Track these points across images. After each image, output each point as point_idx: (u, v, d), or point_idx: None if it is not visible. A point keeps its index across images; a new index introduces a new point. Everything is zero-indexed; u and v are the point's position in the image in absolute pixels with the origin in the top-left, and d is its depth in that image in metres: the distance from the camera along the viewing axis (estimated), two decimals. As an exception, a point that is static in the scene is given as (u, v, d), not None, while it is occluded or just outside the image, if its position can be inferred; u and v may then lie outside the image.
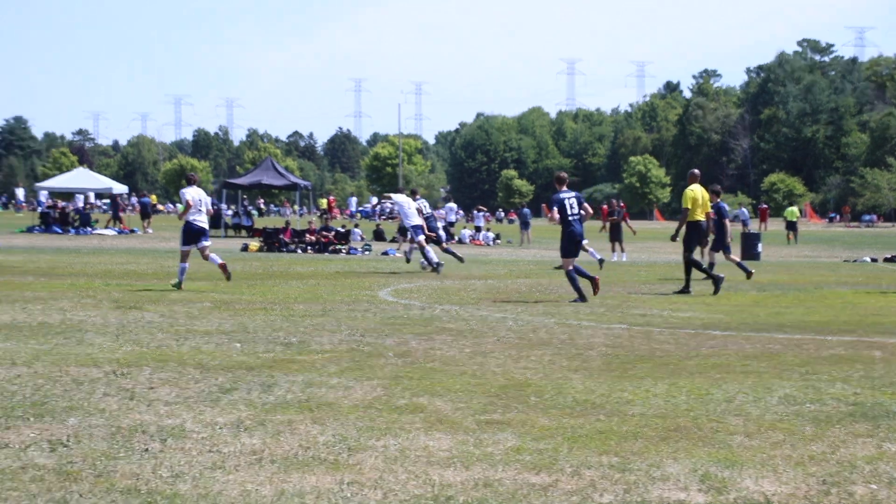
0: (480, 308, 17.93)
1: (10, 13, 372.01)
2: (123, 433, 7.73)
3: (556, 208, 19.72)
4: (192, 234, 21.71)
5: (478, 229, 61.13)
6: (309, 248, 43.83)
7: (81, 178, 67.95)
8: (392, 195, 31.66)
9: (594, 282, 19.95)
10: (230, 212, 64.99)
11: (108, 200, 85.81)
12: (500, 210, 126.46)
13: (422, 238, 28.71)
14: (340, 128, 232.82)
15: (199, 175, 24.95)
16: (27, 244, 42.68)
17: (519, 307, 18.20)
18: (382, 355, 11.94)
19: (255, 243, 44.54)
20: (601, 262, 30.38)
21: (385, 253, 41.91)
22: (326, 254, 41.86)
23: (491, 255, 43.55)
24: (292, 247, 43.90)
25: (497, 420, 8.48)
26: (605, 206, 64.38)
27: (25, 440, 7.45)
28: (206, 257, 21.72)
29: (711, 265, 24.64)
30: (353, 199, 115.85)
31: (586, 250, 29.01)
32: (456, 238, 57.03)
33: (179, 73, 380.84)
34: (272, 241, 44.34)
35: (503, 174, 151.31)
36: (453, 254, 30.64)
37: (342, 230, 48.69)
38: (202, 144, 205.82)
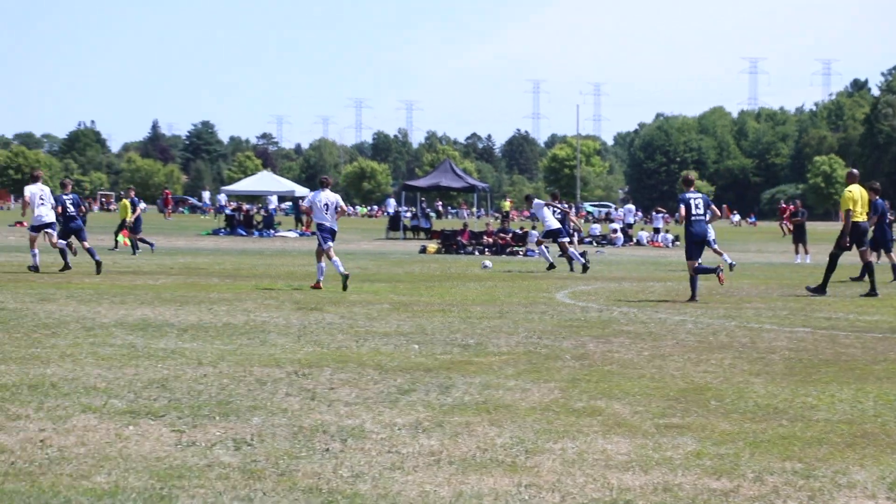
0: (659, 310, 17.73)
1: (198, 22, 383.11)
2: (305, 433, 7.86)
3: (682, 206, 20.02)
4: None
5: (656, 231, 60.46)
6: (486, 249, 43.96)
7: (265, 182, 69.50)
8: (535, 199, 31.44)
9: (719, 276, 20.63)
10: (409, 214, 65.63)
11: (290, 203, 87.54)
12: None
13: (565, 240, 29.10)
14: (518, 129, 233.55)
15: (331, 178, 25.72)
16: (213, 247, 43.81)
17: (698, 309, 17.94)
18: (560, 358, 11.90)
19: (432, 245, 44.87)
20: (732, 266, 29.41)
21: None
22: (504, 255, 41.92)
23: (670, 256, 43.04)
24: (470, 248, 44.10)
25: (676, 424, 8.37)
26: (784, 207, 63.06)
27: (211, 439, 7.63)
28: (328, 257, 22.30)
29: (870, 265, 23.47)
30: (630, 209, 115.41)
31: (719, 253, 28.94)
32: (634, 240, 56.52)
33: (360, 77, 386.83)
34: (450, 242, 44.60)
35: (682, 174, 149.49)
36: (573, 259, 29.69)
37: (520, 232, 48.70)
38: (381, 147, 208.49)
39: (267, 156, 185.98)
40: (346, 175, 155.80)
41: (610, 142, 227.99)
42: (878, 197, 25.16)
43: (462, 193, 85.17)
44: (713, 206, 20.69)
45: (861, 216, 21.43)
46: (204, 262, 30.18)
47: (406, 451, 7.34)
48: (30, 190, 25.43)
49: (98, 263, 24.07)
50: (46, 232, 25.17)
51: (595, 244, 54.09)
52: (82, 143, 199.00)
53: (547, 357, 11.94)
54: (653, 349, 12.74)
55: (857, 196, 21.40)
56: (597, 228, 61.07)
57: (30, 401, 8.84)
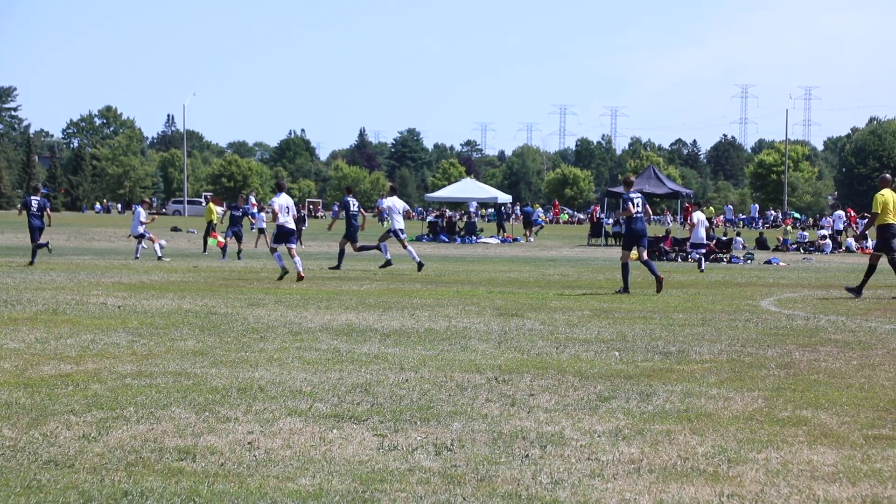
0: (869, 319, 17.22)
1: (405, 32, 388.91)
2: (504, 439, 7.90)
3: (629, 204, 22.33)
4: (284, 235, 25.38)
5: (864, 238, 58.65)
6: (689, 256, 43.40)
7: (468, 189, 70.06)
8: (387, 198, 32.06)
9: (659, 281, 22.01)
10: (610, 220, 65.20)
11: (492, 210, 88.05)
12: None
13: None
14: (725, 135, 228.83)
15: (286, 182, 28.12)
16: (416, 253, 44.37)
17: (911, 318, 17.36)
18: (764, 366, 11.67)
19: (634, 252, 44.52)
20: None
21: (768, 262, 40.98)
22: (707, 262, 41.32)
23: (880, 264, 41.73)
24: (672, 255, 43.62)
25: (886, 435, 8.12)
26: None
27: (412, 443, 7.74)
28: (291, 256, 25.12)
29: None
30: (729, 208, 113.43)
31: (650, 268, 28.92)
32: (843, 247, 55.02)
33: (565, 83, 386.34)
34: (652, 249, 44.19)
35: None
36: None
37: (724, 238, 47.94)
38: (584, 154, 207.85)
39: (470, 163, 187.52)
40: (548, 182, 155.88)
41: (820, 147, 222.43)
42: None
43: (666, 200, 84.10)
44: (647, 206, 23.00)
45: (892, 219, 21.68)
46: (407, 269, 30.59)
47: (606, 459, 7.31)
48: (277, 201, 25.86)
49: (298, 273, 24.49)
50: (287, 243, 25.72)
51: (803, 251, 52.91)
52: (292, 152, 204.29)
53: (750, 365, 11.73)
54: (862, 358, 12.38)
55: (888, 199, 21.70)
56: (805, 235, 59.65)
57: (239, 403, 9.10)
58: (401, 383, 10.26)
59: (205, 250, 41.45)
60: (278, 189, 26.67)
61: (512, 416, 8.71)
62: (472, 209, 75.66)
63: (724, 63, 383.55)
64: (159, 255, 35.43)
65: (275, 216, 25.65)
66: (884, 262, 22.75)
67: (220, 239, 39.20)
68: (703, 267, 32.76)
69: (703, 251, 35.06)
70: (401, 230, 30.47)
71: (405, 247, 30.46)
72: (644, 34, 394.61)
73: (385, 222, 32.02)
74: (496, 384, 10.26)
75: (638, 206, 22.45)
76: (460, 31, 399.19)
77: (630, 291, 22.01)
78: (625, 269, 22.54)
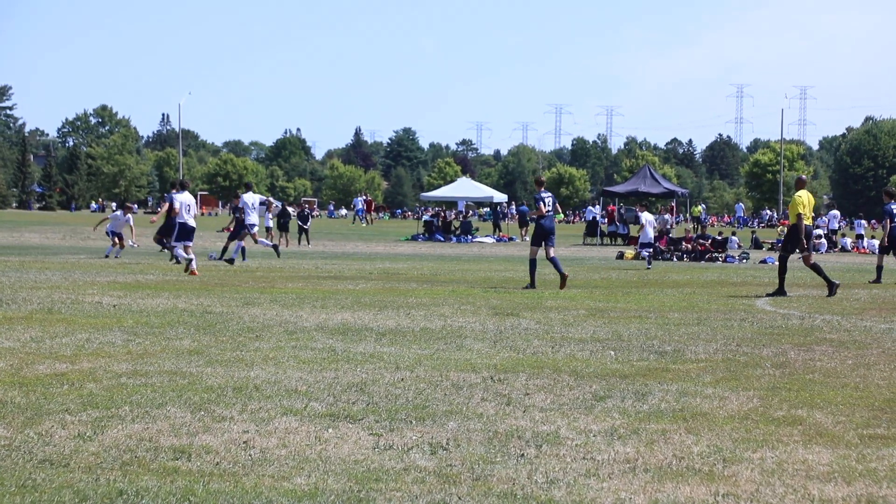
0: (864, 318, 17.23)
1: (401, 31, 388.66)
2: (500, 438, 7.90)
3: (540, 203, 23.49)
4: (185, 233, 26.89)
5: (859, 237, 58.72)
6: (685, 255, 43.46)
7: (463, 188, 70.06)
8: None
9: (563, 279, 23.21)
10: (605, 220, 65.31)
11: (487, 209, 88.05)
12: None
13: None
14: (720, 134, 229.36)
15: (190, 181, 30.65)
16: (411, 252, 44.43)
17: (906, 318, 17.38)
18: (759, 366, 11.68)
19: (630, 251, 44.57)
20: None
21: (764, 261, 41.02)
22: (703, 262, 41.36)
23: (875, 264, 41.78)
24: (668, 254, 43.64)
25: (881, 435, 8.13)
26: None
27: (408, 442, 7.73)
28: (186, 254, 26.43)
29: (880, 268, 27.47)
30: (741, 206, 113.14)
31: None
32: (838, 246, 55.07)
33: (561, 82, 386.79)
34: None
35: (892, 180, 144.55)
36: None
37: (719, 238, 47.99)
38: (580, 153, 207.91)
39: (466, 162, 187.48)
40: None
41: (815, 146, 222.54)
42: (891, 200, 27.77)
43: (661, 199, 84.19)
44: (557, 205, 24.61)
45: (808, 219, 22.43)
46: (402, 268, 30.61)
47: (601, 458, 7.32)
48: (178, 199, 27.61)
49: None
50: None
51: (798, 250, 52.90)
52: (288, 151, 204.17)
53: (746, 365, 11.73)
54: (857, 358, 12.39)
55: (805, 200, 22.40)
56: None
57: (234, 403, 9.10)
58: (396, 382, 10.26)
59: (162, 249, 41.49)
60: (181, 187, 27.86)
61: (507, 416, 8.71)
62: (459, 208, 75.79)
63: (720, 62, 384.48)
64: (114, 255, 35.42)
65: (172, 212, 27.21)
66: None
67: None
68: (650, 265, 34.53)
69: (650, 251, 36.63)
70: (252, 225, 32.40)
71: (256, 241, 33.63)
72: (640, 34, 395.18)
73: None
74: (492, 383, 10.26)
75: (549, 205, 23.69)
76: (456, 30, 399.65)
77: (536, 287, 23.14)
78: (532, 264, 23.64)
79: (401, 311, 17.15)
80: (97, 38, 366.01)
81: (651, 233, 36.93)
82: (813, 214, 23.23)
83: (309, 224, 52.98)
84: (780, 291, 22.09)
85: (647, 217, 37.59)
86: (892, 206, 28.12)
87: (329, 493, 6.40)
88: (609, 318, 16.56)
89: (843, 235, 60.19)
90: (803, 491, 6.56)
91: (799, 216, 22.20)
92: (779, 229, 69.31)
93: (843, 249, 54.51)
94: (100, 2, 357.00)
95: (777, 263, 23.05)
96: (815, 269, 22.53)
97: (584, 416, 8.76)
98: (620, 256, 43.14)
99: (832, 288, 21.87)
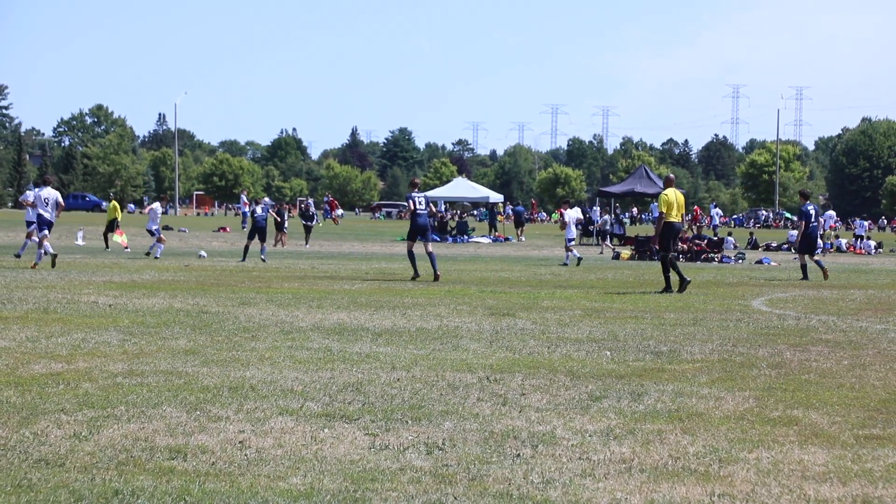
0: (860, 319, 17.25)
1: (397, 31, 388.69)
2: (496, 438, 7.90)
3: (411, 202, 25.76)
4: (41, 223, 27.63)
5: (857, 237, 58.77)
6: (681, 256, 43.45)
7: (459, 188, 70.06)
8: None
9: (436, 277, 24.90)
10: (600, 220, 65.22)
11: (483, 209, 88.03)
12: (884, 218, 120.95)
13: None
14: (716, 135, 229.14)
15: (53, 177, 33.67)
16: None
17: (902, 318, 17.39)
18: (755, 366, 11.69)
19: (626, 251, 44.58)
20: (579, 259, 35.45)
21: (759, 262, 41.05)
22: (699, 262, 41.37)
23: (872, 264, 41.87)
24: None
25: (877, 435, 8.14)
26: None
27: (404, 442, 7.73)
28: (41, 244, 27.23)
29: (804, 266, 28.44)
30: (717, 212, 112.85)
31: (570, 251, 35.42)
32: (834, 247, 55.13)
33: (557, 83, 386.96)
34: (644, 249, 44.25)
35: (888, 181, 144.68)
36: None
37: (715, 238, 48.01)
38: (576, 153, 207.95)
39: (462, 162, 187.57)
40: (539, 181, 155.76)
41: (811, 147, 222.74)
42: (806, 201, 28.84)
43: (656, 199, 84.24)
44: (431, 206, 26.45)
45: (676, 217, 22.92)
46: (398, 268, 30.59)
47: (597, 458, 7.32)
48: (42, 194, 28.38)
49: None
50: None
51: (793, 251, 52.96)
52: (284, 151, 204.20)
53: (742, 365, 11.74)
54: (852, 358, 12.40)
55: (672, 199, 22.89)
56: (794, 235, 59.65)
57: (230, 402, 9.10)
58: (392, 382, 10.25)
59: (107, 247, 41.51)
60: (43, 183, 29.13)
61: (503, 416, 8.71)
62: (440, 208, 75.97)
63: (716, 63, 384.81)
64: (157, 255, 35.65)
65: (31, 205, 28.36)
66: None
67: (124, 239, 40.04)
68: (567, 262, 35.56)
69: (571, 245, 37.33)
70: (157, 230, 36.49)
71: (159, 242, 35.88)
72: (636, 34, 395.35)
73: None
74: (487, 383, 10.26)
75: (421, 204, 25.73)
76: (452, 30, 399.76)
77: (420, 275, 25.18)
78: (411, 255, 25.70)
79: (397, 312, 17.14)
80: (93, 38, 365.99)
81: (574, 230, 38.08)
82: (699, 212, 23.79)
83: (313, 223, 52.92)
84: (667, 289, 22.47)
85: (570, 214, 38.68)
86: (808, 207, 28.75)
87: (325, 493, 6.39)
88: (605, 319, 16.56)
89: (838, 237, 60.22)
90: (799, 491, 6.56)
91: (661, 215, 22.80)
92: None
93: (839, 250, 54.55)
94: (96, 1, 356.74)
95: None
96: (672, 265, 22.94)
97: (580, 416, 8.76)
98: (617, 257, 43.14)
99: (674, 286, 22.43)
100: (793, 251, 52.59)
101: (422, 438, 7.86)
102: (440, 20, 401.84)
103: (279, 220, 47.41)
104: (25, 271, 25.42)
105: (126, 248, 39.95)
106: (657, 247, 23.42)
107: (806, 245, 28.78)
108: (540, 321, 16.05)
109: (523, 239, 62.13)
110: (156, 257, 34.82)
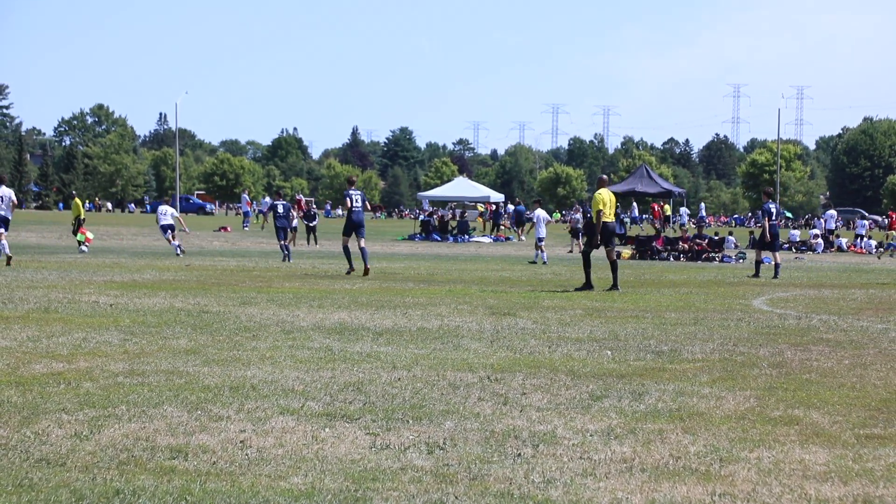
0: (861, 318, 17.25)
1: (397, 31, 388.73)
2: (497, 437, 7.90)
3: (347, 199, 27.20)
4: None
5: (858, 237, 58.74)
6: (682, 255, 43.46)
7: (460, 188, 69.99)
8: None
9: (366, 271, 26.25)
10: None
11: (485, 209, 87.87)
12: (884, 217, 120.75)
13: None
14: (717, 134, 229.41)
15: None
16: (408, 251, 44.40)
17: (903, 318, 17.39)
18: (756, 365, 11.69)
19: (627, 251, 44.58)
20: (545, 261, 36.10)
21: (760, 261, 41.01)
22: (699, 262, 41.36)
23: (873, 263, 41.86)
24: (665, 254, 43.65)
25: (878, 435, 8.14)
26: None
27: (405, 442, 7.73)
28: None
29: (758, 263, 29.53)
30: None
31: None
32: (834, 246, 55.12)
33: (558, 82, 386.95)
34: (644, 248, 44.26)
35: (889, 180, 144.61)
36: None
37: (715, 238, 48.00)
38: (577, 153, 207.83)
39: (463, 161, 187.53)
40: (540, 181, 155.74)
41: (812, 146, 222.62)
42: (769, 200, 29.82)
43: (658, 199, 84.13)
44: (367, 202, 27.76)
45: (610, 217, 23.30)
46: (399, 267, 30.60)
47: (598, 458, 7.32)
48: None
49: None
50: None
51: (794, 250, 52.96)
52: (284, 150, 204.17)
53: (743, 365, 11.74)
54: (853, 358, 12.40)
55: (605, 198, 23.25)
56: (796, 235, 59.71)
57: (231, 402, 9.10)
58: (393, 382, 10.25)
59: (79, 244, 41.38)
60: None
61: (504, 415, 8.71)
62: (424, 205, 75.79)
63: (717, 62, 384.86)
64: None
65: None
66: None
67: (89, 235, 39.91)
68: (535, 260, 36.45)
69: (542, 244, 38.00)
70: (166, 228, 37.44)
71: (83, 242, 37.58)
72: (637, 33, 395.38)
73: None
74: (488, 383, 10.26)
75: (357, 201, 27.15)
76: (453, 30, 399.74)
77: (354, 269, 26.68)
78: (346, 250, 27.13)
79: (398, 311, 17.14)
80: (94, 37, 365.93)
81: (544, 230, 38.63)
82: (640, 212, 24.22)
83: (315, 223, 52.91)
84: (587, 286, 22.95)
85: (540, 214, 39.57)
86: (770, 206, 29.63)
87: (326, 493, 6.39)
88: (606, 318, 16.56)
89: (839, 236, 60.21)
90: (800, 491, 6.56)
91: (599, 213, 23.14)
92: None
93: (840, 249, 54.54)
94: (97, 1, 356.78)
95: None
96: (613, 265, 23.51)
97: (581, 415, 8.76)
98: (617, 256, 43.12)
99: (614, 286, 22.95)
100: (794, 251, 52.67)
101: (423, 438, 7.85)
102: (441, 20, 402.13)
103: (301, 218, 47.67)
104: (27, 271, 25.43)
105: (84, 248, 39.12)
106: (588, 243, 23.85)
107: (765, 242, 29.61)
108: (541, 321, 16.05)
109: (524, 238, 62.08)
110: (177, 254, 35.12)
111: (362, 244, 26.50)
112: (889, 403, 9.46)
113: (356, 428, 8.16)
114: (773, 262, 29.50)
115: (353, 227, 26.75)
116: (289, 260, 33.41)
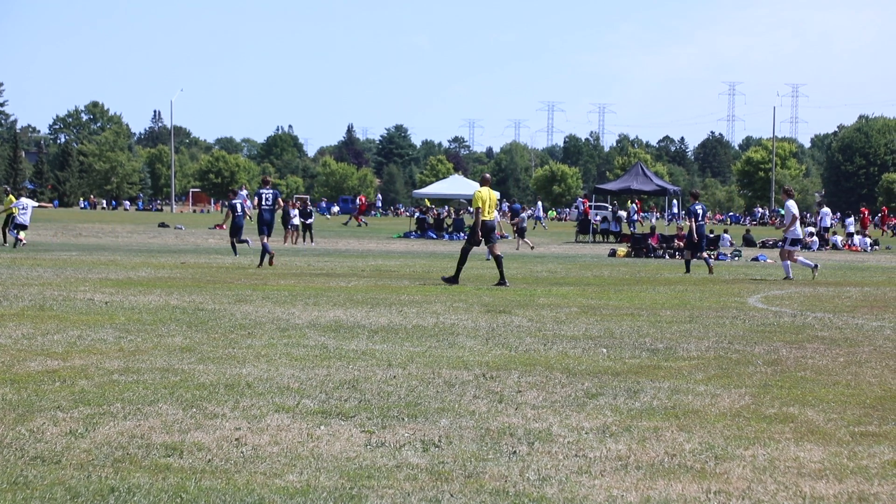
0: (856, 316, 17.26)
1: (392, 30, 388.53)
2: (492, 435, 7.90)
3: (256, 198, 29.47)
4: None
5: (850, 235, 58.74)
6: (677, 253, 43.46)
7: (456, 185, 70.00)
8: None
9: (271, 257, 28.50)
10: (598, 217, 65.29)
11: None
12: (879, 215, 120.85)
13: None
14: (712, 132, 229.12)
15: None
16: (403, 249, 44.39)
17: (898, 315, 17.40)
18: (751, 363, 11.69)
19: (622, 248, 44.59)
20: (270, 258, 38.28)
21: (755, 259, 41.06)
22: (694, 259, 41.36)
23: (868, 261, 41.88)
24: (660, 252, 43.66)
25: (872, 432, 8.15)
26: None
27: (400, 440, 7.73)
28: None
29: (688, 262, 30.51)
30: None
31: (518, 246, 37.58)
32: (829, 244, 55.16)
33: (553, 80, 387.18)
34: (640, 246, 44.26)
35: (884, 178, 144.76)
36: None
37: (711, 235, 48.00)
38: (572, 150, 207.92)
39: (458, 159, 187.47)
40: (536, 179, 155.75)
41: (807, 144, 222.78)
42: (696, 201, 30.73)
43: (653, 197, 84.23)
44: (280, 200, 30.30)
45: (489, 215, 23.67)
46: (395, 265, 30.59)
47: (593, 456, 7.32)
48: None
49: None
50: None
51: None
52: (279, 148, 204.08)
53: (738, 362, 11.75)
54: (848, 355, 12.41)
55: (485, 196, 23.65)
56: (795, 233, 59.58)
57: (226, 400, 9.09)
58: (388, 380, 10.25)
59: (4, 242, 41.26)
60: None
61: (499, 413, 8.71)
62: (400, 206, 75.83)
63: (712, 60, 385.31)
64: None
65: None
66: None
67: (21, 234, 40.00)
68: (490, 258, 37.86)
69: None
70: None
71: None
72: (632, 31, 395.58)
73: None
74: (484, 381, 10.26)
75: (268, 200, 29.36)
76: (448, 27, 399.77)
77: (263, 265, 28.18)
78: (264, 248, 28.58)
79: (393, 309, 17.14)
80: (89, 35, 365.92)
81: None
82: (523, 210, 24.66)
83: (311, 220, 52.88)
84: (454, 279, 23.42)
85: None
86: (696, 207, 30.31)
87: (321, 491, 6.39)
88: (601, 316, 16.57)
89: (835, 233, 60.22)
90: (795, 488, 6.57)
91: (477, 210, 23.57)
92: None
93: (835, 247, 54.58)
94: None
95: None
96: (497, 260, 23.81)
97: (577, 413, 8.77)
98: (613, 254, 43.14)
99: (501, 282, 23.14)
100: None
101: (418, 436, 7.86)
102: (436, 17, 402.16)
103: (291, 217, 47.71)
104: (22, 268, 25.40)
105: (5, 243, 39.27)
106: (469, 240, 24.10)
107: (692, 243, 30.27)
108: (536, 318, 16.05)
109: (509, 237, 62.07)
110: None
111: (265, 241, 28.92)
112: (883, 401, 9.47)
113: (351, 426, 8.16)
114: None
115: (264, 223, 29.43)
116: (235, 254, 34.26)
